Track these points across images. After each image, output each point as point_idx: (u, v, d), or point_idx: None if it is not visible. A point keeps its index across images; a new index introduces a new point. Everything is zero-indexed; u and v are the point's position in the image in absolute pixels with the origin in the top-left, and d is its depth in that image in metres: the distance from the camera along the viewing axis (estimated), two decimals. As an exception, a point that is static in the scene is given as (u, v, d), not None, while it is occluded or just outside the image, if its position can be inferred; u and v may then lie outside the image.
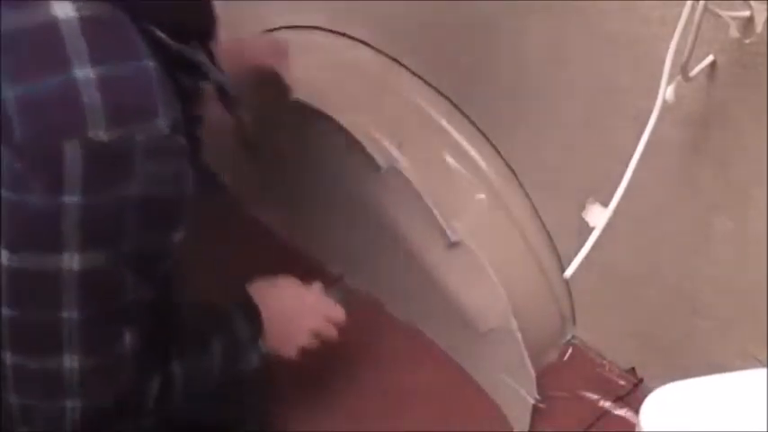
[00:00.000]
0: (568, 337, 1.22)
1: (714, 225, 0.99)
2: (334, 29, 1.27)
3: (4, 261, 0.72)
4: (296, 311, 1.07)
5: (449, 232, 1.07)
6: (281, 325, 1.04)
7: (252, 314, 1.01)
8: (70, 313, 0.74)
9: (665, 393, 0.74)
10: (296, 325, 1.07)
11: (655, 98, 0.85)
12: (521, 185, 1.15)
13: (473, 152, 1.17)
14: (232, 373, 0.98)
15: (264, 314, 1.01)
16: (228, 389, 1.01)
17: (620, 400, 1.16)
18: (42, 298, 0.74)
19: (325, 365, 1.19)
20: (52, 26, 0.69)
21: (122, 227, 0.73)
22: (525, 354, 1.07)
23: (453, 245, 1.07)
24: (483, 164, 1.17)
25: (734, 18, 0.79)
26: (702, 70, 0.87)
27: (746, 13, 0.78)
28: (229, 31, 1.39)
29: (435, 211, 1.07)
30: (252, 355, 0.99)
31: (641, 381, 1.17)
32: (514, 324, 1.06)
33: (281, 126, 1.24)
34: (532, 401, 1.08)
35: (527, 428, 1.10)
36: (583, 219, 0.87)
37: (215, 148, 1.23)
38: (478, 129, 1.16)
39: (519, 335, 1.06)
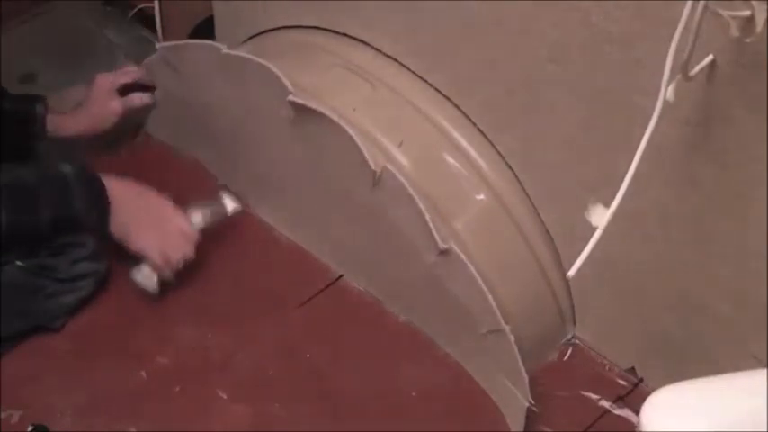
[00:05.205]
0: (568, 336, 1.23)
1: (714, 225, 0.99)
2: (333, 29, 1.27)
3: None
4: (162, 216, 1.17)
5: (438, 240, 1.07)
6: (144, 218, 1.14)
7: (94, 188, 1.11)
8: None
9: (666, 394, 0.74)
10: (163, 230, 1.16)
11: (655, 98, 0.85)
12: (521, 185, 1.15)
13: (473, 152, 1.17)
14: (63, 232, 1.10)
15: (124, 197, 1.13)
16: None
17: (620, 400, 1.16)
18: None
19: (324, 364, 1.19)
20: None
21: None
22: (518, 357, 1.07)
23: (443, 252, 1.07)
24: (483, 164, 1.17)
25: (734, 18, 0.79)
26: (702, 70, 0.87)
27: (746, 13, 0.78)
28: (230, 31, 1.40)
29: (427, 216, 1.07)
30: (87, 224, 1.11)
31: (641, 381, 1.17)
32: (508, 328, 1.06)
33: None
34: (526, 404, 1.08)
35: (521, 429, 1.10)
36: (583, 218, 0.88)
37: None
38: (479, 129, 1.16)
39: (512, 337, 1.06)
